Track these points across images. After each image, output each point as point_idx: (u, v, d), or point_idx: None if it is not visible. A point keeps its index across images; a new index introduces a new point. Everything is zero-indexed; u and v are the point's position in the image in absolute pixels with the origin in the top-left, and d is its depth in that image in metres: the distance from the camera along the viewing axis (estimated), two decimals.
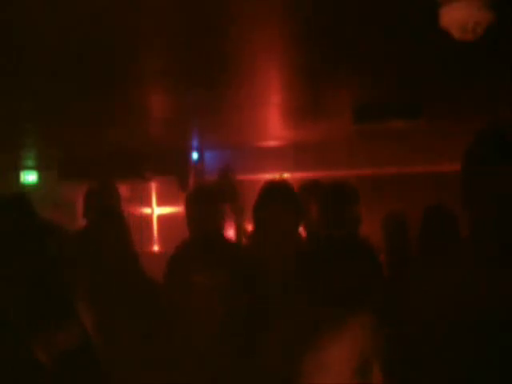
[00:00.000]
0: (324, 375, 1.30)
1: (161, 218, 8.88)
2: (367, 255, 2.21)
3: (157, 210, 8.93)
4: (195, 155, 8.11)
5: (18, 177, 8.78)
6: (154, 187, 8.94)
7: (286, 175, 7.91)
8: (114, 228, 3.46)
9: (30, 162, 8.54)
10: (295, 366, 1.31)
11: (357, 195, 3.63)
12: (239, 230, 5.00)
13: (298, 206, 2.63)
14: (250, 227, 4.46)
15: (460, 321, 2.15)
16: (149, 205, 8.84)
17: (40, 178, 8.89)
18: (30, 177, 8.85)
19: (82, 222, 4.90)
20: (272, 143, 7.80)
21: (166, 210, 8.84)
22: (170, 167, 8.04)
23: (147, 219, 8.68)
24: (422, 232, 3.98)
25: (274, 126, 6.74)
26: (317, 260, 1.33)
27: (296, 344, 1.32)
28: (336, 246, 1.38)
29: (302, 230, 3.54)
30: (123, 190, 8.56)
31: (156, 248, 8.51)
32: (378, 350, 1.29)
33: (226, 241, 3.90)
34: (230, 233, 5.58)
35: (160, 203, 8.94)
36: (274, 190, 2.72)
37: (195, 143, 7.90)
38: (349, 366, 1.28)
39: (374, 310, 1.30)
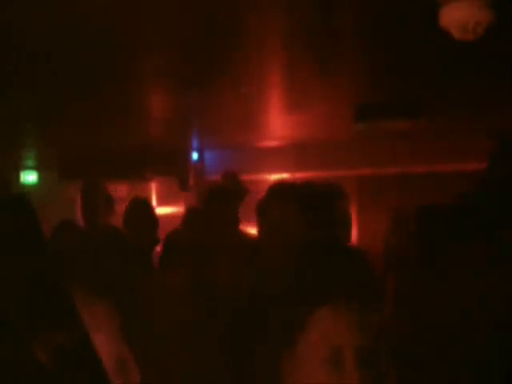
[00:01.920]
0: (299, 372, 1.29)
1: (161, 217, 8.87)
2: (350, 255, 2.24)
3: (157, 210, 8.93)
4: (195, 155, 8.11)
5: (18, 177, 8.78)
6: (154, 187, 8.94)
7: (286, 175, 7.91)
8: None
9: (30, 162, 8.54)
10: (275, 366, 1.31)
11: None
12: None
13: (302, 207, 2.62)
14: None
15: (461, 320, 2.15)
16: None
17: (40, 177, 8.89)
18: (30, 177, 8.85)
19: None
20: (272, 143, 7.80)
21: (166, 210, 8.84)
22: (170, 167, 8.04)
23: None
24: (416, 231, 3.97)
25: (274, 125, 6.74)
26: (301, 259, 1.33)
27: (274, 344, 1.32)
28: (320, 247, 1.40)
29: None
30: (123, 189, 8.58)
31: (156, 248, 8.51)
32: (352, 339, 1.27)
33: None
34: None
35: (160, 203, 8.93)
36: (280, 190, 2.72)
37: (195, 143, 7.90)
38: (319, 359, 1.26)
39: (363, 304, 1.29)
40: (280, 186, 2.79)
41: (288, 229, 2.51)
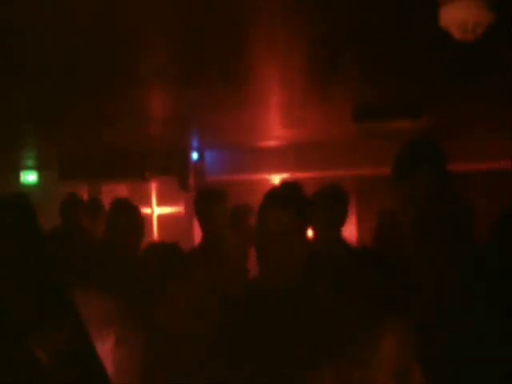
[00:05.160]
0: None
1: (161, 217, 8.89)
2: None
3: (157, 210, 8.94)
4: (195, 155, 8.12)
5: (18, 177, 8.79)
6: (154, 187, 8.95)
7: (286, 175, 7.91)
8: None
9: (30, 162, 8.55)
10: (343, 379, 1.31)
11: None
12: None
13: (302, 209, 2.58)
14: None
15: (459, 320, 2.15)
16: (149, 205, 8.85)
17: (40, 177, 8.90)
18: (30, 177, 8.86)
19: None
20: (272, 143, 7.80)
21: (166, 209, 8.85)
22: (170, 167, 8.04)
23: (147, 219, 8.68)
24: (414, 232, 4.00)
25: (274, 126, 6.74)
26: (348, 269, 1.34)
27: (340, 357, 1.32)
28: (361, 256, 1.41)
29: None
30: (123, 189, 8.57)
31: None
32: (417, 353, 1.29)
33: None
34: None
35: (160, 203, 8.94)
36: (278, 193, 2.69)
37: (195, 143, 7.91)
38: (388, 372, 1.27)
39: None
40: (277, 189, 2.76)
41: (284, 233, 2.47)
